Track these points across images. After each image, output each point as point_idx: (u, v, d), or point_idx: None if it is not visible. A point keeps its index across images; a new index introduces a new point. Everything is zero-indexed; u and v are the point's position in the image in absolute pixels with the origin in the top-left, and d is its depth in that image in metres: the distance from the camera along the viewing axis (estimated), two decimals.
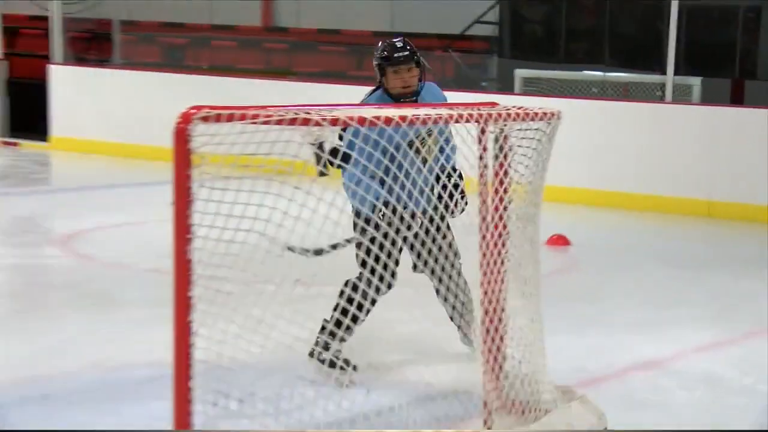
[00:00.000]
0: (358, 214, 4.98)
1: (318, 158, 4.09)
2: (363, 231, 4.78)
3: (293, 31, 17.84)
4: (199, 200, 3.75)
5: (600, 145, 11.60)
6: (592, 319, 6.91)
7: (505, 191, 4.43)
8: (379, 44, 5.55)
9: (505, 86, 14.68)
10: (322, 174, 4.33)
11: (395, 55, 5.41)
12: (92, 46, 16.78)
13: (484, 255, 4.44)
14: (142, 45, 17.44)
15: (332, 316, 5.02)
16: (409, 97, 5.38)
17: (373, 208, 4.82)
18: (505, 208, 4.43)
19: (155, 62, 16.77)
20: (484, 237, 4.44)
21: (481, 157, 4.40)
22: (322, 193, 4.10)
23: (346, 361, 4.73)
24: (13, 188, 12.89)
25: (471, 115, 4.16)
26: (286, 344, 4.29)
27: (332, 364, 4.74)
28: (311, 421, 4.37)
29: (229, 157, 3.76)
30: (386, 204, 4.65)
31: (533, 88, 12.85)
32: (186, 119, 3.69)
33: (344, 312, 4.91)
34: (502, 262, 4.49)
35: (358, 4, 16.82)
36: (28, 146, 15.08)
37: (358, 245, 4.97)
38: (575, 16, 15.01)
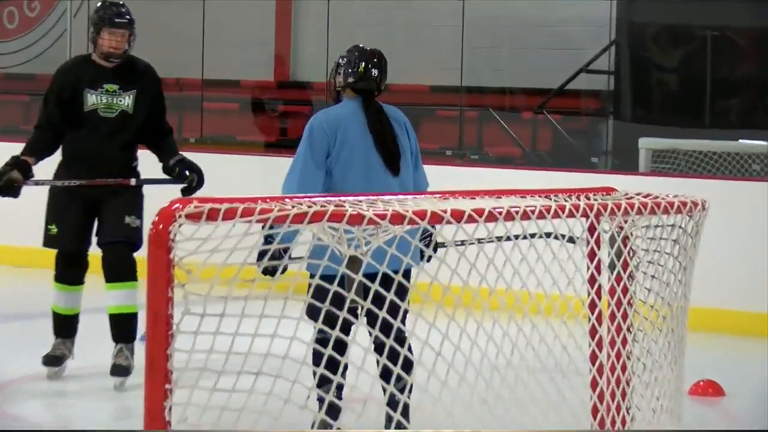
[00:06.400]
0: None
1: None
2: None
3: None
4: (182, 333, 1.78)
5: (764, 248, 5.50)
6: None
7: (625, 318, 2.16)
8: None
9: (625, 163, 7.34)
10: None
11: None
12: None
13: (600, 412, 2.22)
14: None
15: None
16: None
17: None
18: (624, 344, 2.16)
19: None
20: (600, 389, 2.24)
21: (589, 268, 2.16)
22: None
23: None
24: None
25: (575, 207, 2.01)
26: None
27: None
28: None
29: (225, 268, 1.78)
30: None
31: (666, 165, 6.71)
32: (167, 218, 1.77)
33: None
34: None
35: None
36: None
37: None
38: (726, 63, 7.25)
